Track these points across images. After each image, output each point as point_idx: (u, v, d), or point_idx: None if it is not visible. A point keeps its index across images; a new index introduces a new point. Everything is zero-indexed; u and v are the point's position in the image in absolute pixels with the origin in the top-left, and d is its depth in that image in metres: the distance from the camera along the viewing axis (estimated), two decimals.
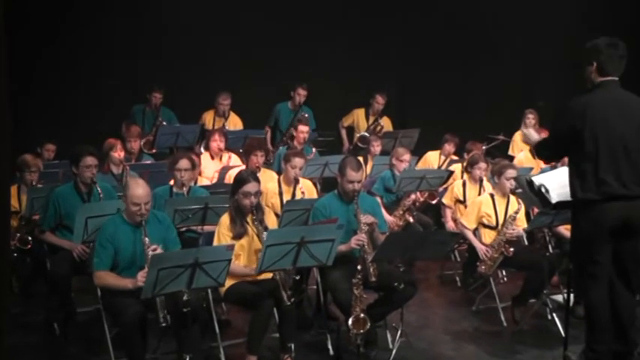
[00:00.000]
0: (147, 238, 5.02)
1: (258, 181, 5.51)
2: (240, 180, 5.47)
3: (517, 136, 9.99)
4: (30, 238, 6.46)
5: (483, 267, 6.59)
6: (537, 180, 5.06)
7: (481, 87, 11.15)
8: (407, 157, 8.05)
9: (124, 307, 4.86)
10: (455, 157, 9.26)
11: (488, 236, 6.72)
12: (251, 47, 10.56)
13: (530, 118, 9.69)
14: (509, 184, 6.72)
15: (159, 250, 5.00)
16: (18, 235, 6.47)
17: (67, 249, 5.90)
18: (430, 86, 11.13)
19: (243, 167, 7.61)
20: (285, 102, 10.08)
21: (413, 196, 7.67)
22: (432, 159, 9.38)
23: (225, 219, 5.48)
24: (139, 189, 5.14)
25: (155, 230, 5.21)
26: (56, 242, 6.07)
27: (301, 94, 9.94)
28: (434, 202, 8.04)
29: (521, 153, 9.32)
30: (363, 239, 5.49)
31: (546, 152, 5.09)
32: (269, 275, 5.26)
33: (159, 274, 4.55)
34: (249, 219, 5.47)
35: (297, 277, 5.31)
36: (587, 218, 4.72)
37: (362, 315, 5.38)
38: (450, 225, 7.66)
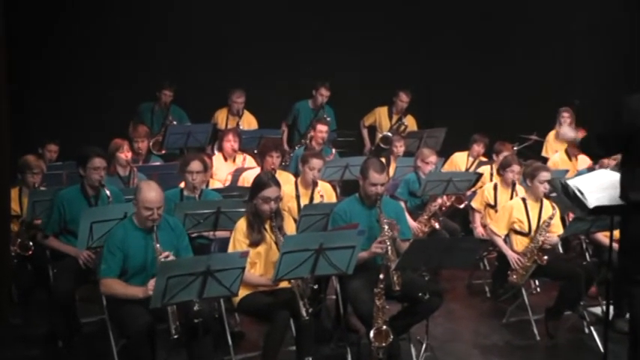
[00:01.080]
0: (158, 245, 5.04)
1: (279, 185, 5.52)
2: (260, 184, 5.48)
3: (551, 136, 9.93)
4: (31, 244, 6.49)
5: (515, 276, 6.56)
6: (573, 183, 5.01)
7: (512, 83, 11.08)
8: (433, 158, 8.02)
9: (131, 318, 4.87)
10: (484, 159, 9.22)
11: (520, 243, 6.68)
12: (267, 41, 10.56)
13: (566, 116, 9.63)
14: (543, 188, 6.68)
15: (171, 258, 5.02)
16: (19, 240, 6.50)
17: (72, 255, 5.92)
18: (457, 83, 11.09)
19: (258, 169, 7.61)
20: (306, 100, 10.09)
21: (439, 201, 7.65)
22: (460, 160, 9.35)
23: (241, 224, 5.49)
24: (152, 192, 5.15)
25: (166, 237, 5.23)
26: (60, 248, 6.10)
27: (324, 94, 9.96)
28: (461, 206, 8.02)
29: (555, 154, 9.26)
30: (385, 246, 5.47)
31: (597, 148, 4.99)
32: (285, 285, 5.25)
33: (168, 283, 4.56)
34: (267, 225, 5.48)
35: (316, 287, 5.30)
36: (639, 222, 4.66)
37: (384, 327, 5.36)
38: (479, 231, 7.63)
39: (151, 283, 4.85)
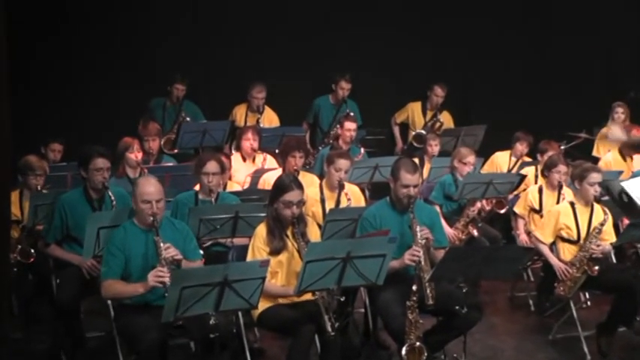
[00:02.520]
0: (159, 237, 5.11)
1: (301, 188, 5.53)
2: (281, 186, 5.50)
3: (603, 134, 9.84)
4: (33, 251, 6.54)
5: (562, 288, 6.52)
6: (627, 186, 4.97)
7: (559, 75, 11.00)
8: (471, 158, 7.99)
9: (141, 332, 4.90)
10: (527, 159, 9.18)
11: (568, 252, 6.64)
12: (290, 30, 10.56)
13: (620, 112, 9.56)
14: (593, 191, 6.63)
15: (172, 250, 5.09)
16: (19, 247, 6.55)
17: (76, 265, 5.97)
18: (498, 75, 11.03)
19: (279, 170, 7.63)
20: (326, 95, 10.10)
21: (478, 205, 7.62)
22: (501, 161, 9.31)
23: (261, 230, 5.50)
24: (149, 186, 5.28)
25: (170, 238, 5.28)
26: (63, 257, 6.15)
27: (344, 87, 9.96)
28: (502, 211, 7.98)
29: (608, 154, 9.18)
30: (418, 254, 5.46)
31: None
32: (310, 297, 5.25)
33: (182, 294, 4.58)
34: (289, 232, 5.48)
35: (342, 299, 5.28)
36: None
37: (418, 344, 5.35)
38: (523, 238, 7.59)
39: (153, 274, 4.93)
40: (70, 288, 5.87)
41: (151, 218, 5.20)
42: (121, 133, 8.05)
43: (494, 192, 7.62)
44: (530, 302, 7.54)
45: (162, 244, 5.09)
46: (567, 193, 7.38)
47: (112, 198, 6.15)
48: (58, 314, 6.01)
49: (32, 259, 6.55)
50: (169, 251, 5.08)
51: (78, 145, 7.59)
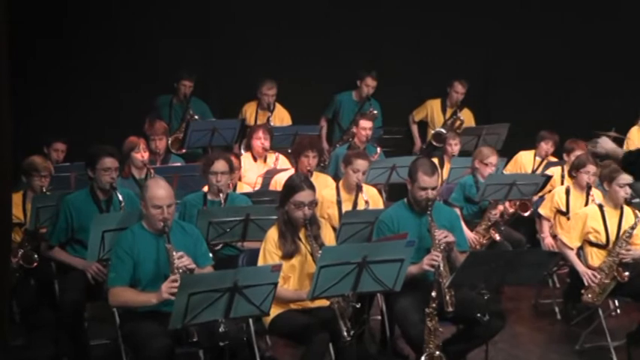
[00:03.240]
0: (171, 245, 5.12)
1: (313, 188, 5.54)
2: (292, 187, 5.51)
3: (634, 133, 9.82)
4: (36, 256, 6.57)
5: (590, 295, 6.51)
6: None
7: (586, 70, 10.96)
8: (493, 159, 7.98)
9: (147, 340, 4.92)
10: (553, 159, 9.16)
11: (596, 257, 6.63)
12: (303, 24, 10.56)
13: None
14: (624, 193, 6.62)
15: (185, 259, 5.09)
16: (21, 251, 6.58)
17: (80, 269, 6.00)
18: (521, 70, 11.00)
19: (292, 171, 7.64)
20: (349, 91, 10.12)
21: (500, 207, 7.62)
22: (525, 161, 9.29)
23: (272, 233, 5.52)
24: (160, 190, 5.28)
25: (181, 242, 5.29)
26: (67, 260, 6.18)
27: (370, 84, 10.00)
28: (526, 214, 7.97)
29: None
30: (438, 259, 5.46)
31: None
32: (324, 303, 5.27)
33: (190, 300, 4.59)
34: (301, 234, 5.50)
35: (358, 306, 5.29)
36: None
37: (437, 353, 5.36)
38: (548, 242, 7.58)
39: (166, 285, 4.93)
40: (73, 293, 5.89)
41: (162, 224, 5.21)
42: (127, 132, 8.07)
43: (517, 194, 7.61)
44: (556, 310, 7.52)
45: (174, 253, 5.09)
46: (596, 194, 7.36)
47: (121, 199, 6.18)
48: (61, 321, 6.04)
49: (35, 264, 6.56)
50: (182, 260, 5.08)
51: (81, 145, 7.66)
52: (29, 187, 7.06)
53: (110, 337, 6.07)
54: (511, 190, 7.53)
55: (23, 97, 8.68)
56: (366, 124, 8.92)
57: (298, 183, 5.51)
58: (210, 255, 5.75)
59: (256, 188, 7.95)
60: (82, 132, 9.04)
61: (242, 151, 9.04)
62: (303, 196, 5.44)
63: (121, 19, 10.00)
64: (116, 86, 9.92)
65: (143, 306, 5.14)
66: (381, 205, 7.17)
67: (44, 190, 6.95)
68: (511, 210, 7.84)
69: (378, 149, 9.07)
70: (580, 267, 6.62)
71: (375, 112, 9.63)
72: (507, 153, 9.30)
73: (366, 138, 8.88)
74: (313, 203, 5.52)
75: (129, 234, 5.34)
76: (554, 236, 7.43)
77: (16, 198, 6.87)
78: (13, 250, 6.42)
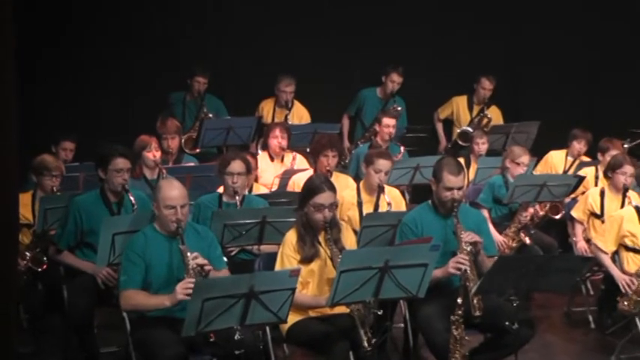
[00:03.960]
0: (185, 246, 5.15)
1: (334, 189, 5.54)
2: (312, 188, 5.51)
3: None
4: (45, 258, 6.60)
5: (626, 303, 6.48)
6: None
7: (622, 63, 10.89)
8: (525, 158, 7.97)
9: (159, 347, 4.95)
10: (586, 159, 9.13)
11: (632, 262, 6.61)
12: (321, 17, 10.57)
13: None
14: None
15: (200, 259, 5.11)
16: (29, 254, 6.60)
17: (89, 273, 6.02)
18: (552, 66, 10.96)
19: (310, 171, 7.65)
20: (374, 87, 10.12)
21: (531, 210, 7.61)
22: (556, 161, 9.26)
23: (291, 237, 5.53)
24: (174, 190, 5.31)
25: (194, 245, 5.31)
26: (76, 264, 6.21)
27: (395, 80, 10.01)
28: (558, 216, 7.96)
29: None
30: (464, 262, 5.45)
31: None
32: (344, 310, 5.27)
33: (204, 306, 4.60)
34: (321, 238, 5.51)
35: (380, 313, 5.29)
36: None
37: None
38: (581, 246, 7.56)
39: (181, 286, 4.95)
40: (82, 298, 5.93)
41: (175, 225, 5.24)
42: (138, 130, 8.11)
43: (548, 195, 7.58)
44: (590, 318, 7.48)
45: (189, 254, 5.12)
46: (633, 196, 7.32)
47: (133, 202, 6.20)
48: (70, 327, 6.08)
49: (45, 266, 6.57)
50: (197, 261, 5.11)
51: (91, 144, 7.67)
52: (39, 187, 7.08)
53: (121, 344, 6.10)
54: (541, 192, 7.51)
55: (30, 93, 8.74)
56: (389, 121, 8.91)
57: (318, 184, 5.52)
58: (225, 260, 5.77)
59: (273, 189, 7.96)
60: (91, 130, 9.09)
61: (258, 151, 9.05)
62: (324, 198, 5.45)
63: (133, 14, 10.05)
64: (127, 82, 9.96)
65: (156, 309, 5.17)
66: (403, 207, 7.17)
67: (55, 191, 6.98)
68: (542, 212, 7.83)
69: (402, 148, 9.07)
70: (616, 272, 6.59)
71: (400, 108, 9.60)
72: (537, 152, 9.27)
73: (388, 136, 8.87)
74: (334, 205, 5.52)
75: (141, 236, 5.36)
76: (588, 240, 7.41)
77: (25, 198, 6.91)
78: (21, 252, 6.45)
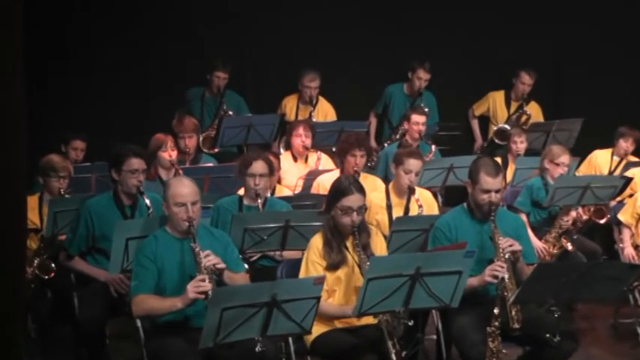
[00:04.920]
0: (197, 244, 5.16)
1: (363, 192, 5.54)
2: (339, 190, 5.51)
3: None
4: (53, 265, 6.63)
5: None
6: None
7: None
8: (565, 158, 7.92)
9: (175, 359, 4.97)
10: (634, 159, 9.10)
11: None
12: (348, 8, 10.57)
13: None
14: None
15: (213, 257, 5.12)
16: (37, 260, 6.64)
17: (101, 280, 6.05)
18: (596, 59, 10.90)
19: (337, 172, 7.65)
20: (400, 84, 10.11)
21: (573, 213, 7.58)
22: (601, 160, 9.22)
23: (316, 242, 5.53)
24: (183, 185, 5.34)
25: (208, 247, 5.30)
26: (87, 271, 6.24)
27: (422, 77, 10.00)
28: (603, 221, 7.94)
29: None
30: (502, 270, 5.43)
31: None
32: (372, 321, 5.26)
33: (223, 316, 4.61)
34: (349, 243, 5.50)
35: (410, 324, 5.28)
36: None
37: None
38: (629, 253, 7.53)
39: (192, 285, 4.97)
40: (94, 307, 5.96)
41: (186, 224, 5.24)
42: (153, 129, 8.14)
43: (592, 198, 7.55)
44: (639, 331, 7.43)
45: (200, 251, 5.14)
46: None
47: (149, 205, 6.21)
48: (81, 337, 6.10)
49: (52, 274, 6.62)
50: (210, 259, 5.12)
51: (103, 143, 7.71)
52: (46, 189, 7.09)
53: (134, 356, 6.10)
54: (585, 194, 7.48)
55: (40, 91, 8.80)
56: (418, 118, 8.90)
57: (347, 186, 5.51)
58: (246, 266, 5.77)
59: (297, 191, 7.97)
60: (103, 128, 9.15)
61: (281, 150, 9.06)
62: (352, 200, 5.43)
63: (149, 6, 10.07)
64: (142, 78, 10.00)
65: (169, 312, 5.16)
66: (436, 211, 7.17)
67: (62, 193, 6.99)
68: (585, 216, 7.79)
69: (433, 147, 9.05)
70: None
71: (427, 109, 9.56)
72: (580, 152, 9.23)
73: (418, 134, 8.86)
74: (363, 208, 5.51)
75: (152, 240, 5.38)
76: (636, 246, 7.38)
77: (32, 201, 6.92)
78: (29, 259, 6.49)
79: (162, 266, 5.28)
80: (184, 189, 5.32)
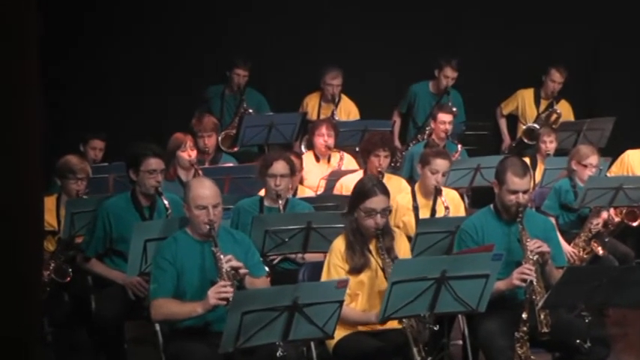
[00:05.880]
0: (218, 248, 5.18)
1: (387, 193, 5.54)
2: (363, 191, 5.51)
3: None
4: (70, 269, 6.66)
5: None
6: None
7: None
8: (593, 159, 7.88)
9: None
10: None
11: None
12: (373, 8, 10.55)
13: None
14: None
15: (234, 262, 5.14)
16: (53, 263, 6.65)
17: (119, 283, 6.09)
18: (630, 55, 10.85)
19: (360, 172, 7.66)
20: (426, 82, 10.11)
21: (604, 216, 7.55)
22: (634, 161, 9.15)
23: (339, 245, 5.53)
24: (204, 189, 5.35)
25: (229, 250, 5.32)
26: (105, 274, 6.28)
27: (449, 76, 9.97)
28: (636, 223, 7.91)
29: None
30: (530, 273, 5.42)
31: None
32: (396, 324, 5.27)
33: (243, 320, 4.63)
34: (372, 246, 5.51)
35: (436, 328, 5.29)
36: None
37: None
38: None
39: (213, 290, 4.99)
40: (111, 310, 5.97)
41: (207, 227, 5.26)
42: (172, 127, 8.16)
43: (624, 199, 7.52)
44: None
45: (222, 256, 5.15)
46: None
47: (167, 206, 6.24)
48: (98, 341, 6.13)
49: (68, 278, 6.61)
50: (231, 263, 5.14)
51: (121, 143, 7.75)
52: (63, 191, 7.11)
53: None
54: (617, 196, 7.45)
55: (58, 90, 8.84)
56: (445, 117, 8.89)
57: (370, 187, 5.51)
58: (266, 269, 5.79)
59: (319, 192, 7.99)
60: (122, 128, 9.19)
61: (303, 150, 9.07)
62: (376, 202, 5.44)
63: (168, 3, 10.11)
64: (160, 76, 10.01)
65: (189, 318, 5.19)
66: (462, 212, 7.17)
67: (79, 194, 6.99)
68: (617, 219, 7.77)
69: (459, 147, 9.04)
70: None
71: (455, 109, 9.55)
72: (612, 152, 9.19)
73: (445, 134, 8.85)
74: (387, 210, 5.52)
75: (171, 242, 5.40)
76: None
77: (49, 202, 6.95)
78: (45, 262, 6.48)
79: (182, 269, 5.30)
80: (205, 191, 5.34)
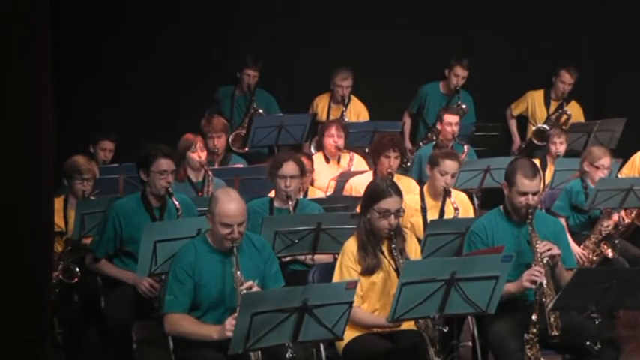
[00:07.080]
0: (239, 272, 5.10)
1: (400, 194, 5.54)
2: (377, 192, 5.51)
3: None
4: (78, 270, 6.67)
5: None
6: None
7: None
8: (605, 161, 7.87)
9: None
10: None
11: None
12: (382, 8, 10.56)
13: None
14: None
15: (255, 289, 5.09)
16: (62, 264, 6.67)
17: (129, 284, 6.10)
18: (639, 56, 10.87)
19: (369, 174, 7.66)
20: (436, 82, 10.10)
21: (615, 217, 7.54)
22: None
23: (351, 245, 5.53)
24: (232, 205, 5.21)
25: (250, 261, 5.32)
26: (115, 274, 6.29)
27: (460, 75, 9.96)
28: None
29: None
30: (540, 274, 5.42)
31: None
32: (407, 326, 5.28)
33: (253, 321, 4.63)
34: (384, 247, 5.52)
35: (445, 330, 5.29)
36: None
37: None
38: None
39: (230, 321, 4.92)
40: (121, 311, 6.00)
41: (230, 244, 5.17)
42: (182, 128, 8.18)
43: (635, 201, 7.50)
44: None
45: (243, 282, 5.05)
46: None
47: (178, 206, 6.25)
48: (108, 342, 6.14)
49: (77, 279, 6.63)
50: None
51: (131, 144, 7.76)
52: (70, 192, 7.10)
53: None
54: (627, 197, 7.43)
55: (68, 90, 8.86)
56: (451, 118, 8.86)
57: (384, 188, 5.50)
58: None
59: (329, 193, 7.99)
60: (132, 128, 9.20)
61: (312, 151, 9.07)
62: (390, 203, 5.44)
63: (180, 4, 10.11)
64: (171, 77, 10.04)
65: (202, 341, 5.12)
66: (471, 214, 7.17)
67: (86, 195, 6.97)
68: (627, 220, 7.76)
69: (466, 147, 8.98)
70: None
71: (464, 106, 9.56)
72: (623, 153, 9.15)
73: (452, 135, 8.81)
74: (400, 211, 5.51)
75: (190, 250, 5.31)
76: None
77: (57, 203, 6.88)
78: (54, 263, 6.47)
79: (200, 279, 5.24)
80: (233, 209, 5.17)
